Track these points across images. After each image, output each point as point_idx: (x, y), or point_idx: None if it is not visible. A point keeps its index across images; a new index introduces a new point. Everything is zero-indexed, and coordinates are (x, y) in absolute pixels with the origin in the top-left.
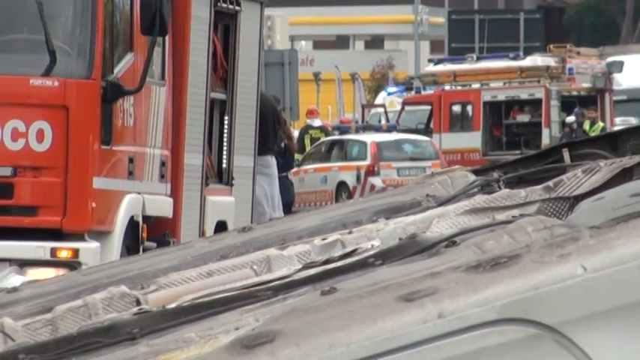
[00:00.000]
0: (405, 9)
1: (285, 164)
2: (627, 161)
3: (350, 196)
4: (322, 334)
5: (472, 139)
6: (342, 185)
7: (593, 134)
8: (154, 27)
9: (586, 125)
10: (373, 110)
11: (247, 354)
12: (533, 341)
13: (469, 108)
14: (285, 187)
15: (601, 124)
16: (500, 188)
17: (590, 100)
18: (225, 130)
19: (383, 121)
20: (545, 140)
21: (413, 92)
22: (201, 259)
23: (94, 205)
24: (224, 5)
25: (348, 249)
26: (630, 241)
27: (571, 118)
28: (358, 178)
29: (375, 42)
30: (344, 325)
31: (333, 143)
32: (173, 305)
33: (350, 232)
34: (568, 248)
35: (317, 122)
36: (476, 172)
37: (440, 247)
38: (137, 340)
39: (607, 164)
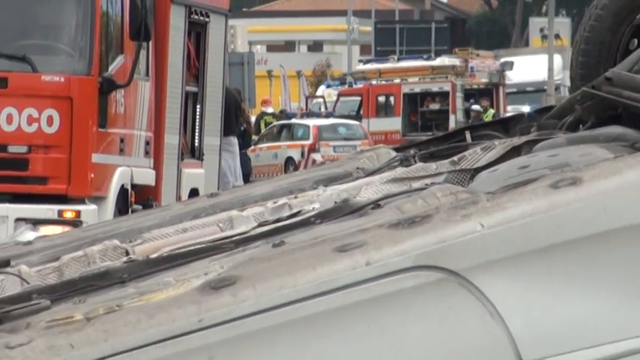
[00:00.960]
0: (340, 20)
1: (244, 143)
2: (516, 141)
3: (296, 168)
4: (273, 278)
5: (394, 123)
6: (289, 160)
7: (486, 119)
8: (140, 34)
9: (484, 113)
10: (315, 100)
11: (214, 294)
12: (441, 283)
13: (391, 98)
14: (244, 162)
15: (492, 111)
16: (415, 162)
17: (487, 92)
18: (197, 116)
19: (322, 109)
20: (452, 124)
21: (346, 86)
22: (178, 218)
23: (92, 175)
24: (196, 17)
25: (294, 210)
26: (518, 204)
27: (477, 107)
28: (302, 154)
29: (315, 46)
30: (290, 271)
31: (283, 126)
32: (155, 255)
33: (295, 197)
34: (469, 210)
35: (270, 109)
36: (396, 150)
37: (367, 209)
38: (126, 283)
39: (500, 143)
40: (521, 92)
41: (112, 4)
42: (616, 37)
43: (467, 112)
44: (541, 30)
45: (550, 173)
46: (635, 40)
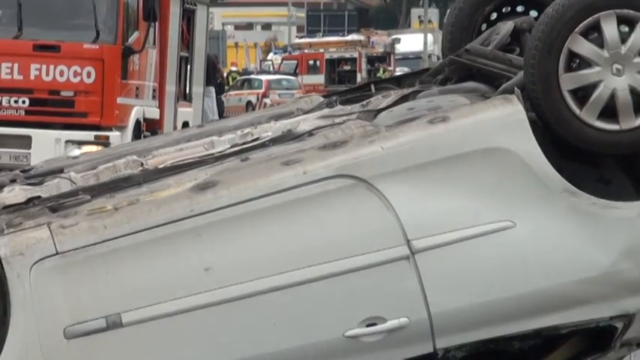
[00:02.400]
0: (283, 8)
1: (219, 91)
2: (405, 91)
3: (253, 109)
4: (241, 182)
5: (319, 79)
6: (249, 103)
7: (383, 77)
8: (150, 16)
9: (380, 72)
10: (266, 63)
11: (201, 192)
12: (353, 187)
13: (317, 62)
14: (220, 104)
15: (390, 69)
16: (336, 105)
17: (383, 59)
18: (187, 72)
19: (271, 69)
20: (358, 80)
21: (287, 53)
22: (176, 141)
23: (117, 112)
24: (188, 6)
25: (255, 137)
26: (406, 134)
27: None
28: (257, 99)
29: (266, 26)
30: (253, 178)
31: (244, 80)
32: (161, 166)
33: (255, 128)
34: (373, 137)
35: (235, 69)
36: (324, 97)
37: (304, 136)
38: (141, 185)
39: (394, 92)
40: (406, 59)
41: None
42: (472, 23)
43: (369, 71)
44: (419, 17)
45: (428, 113)
46: (485, 25)
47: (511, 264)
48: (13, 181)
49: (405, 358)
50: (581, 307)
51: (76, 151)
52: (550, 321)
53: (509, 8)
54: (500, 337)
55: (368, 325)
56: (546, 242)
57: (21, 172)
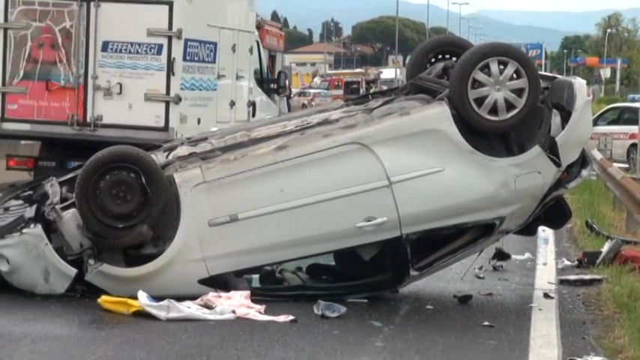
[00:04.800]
0: (321, 55)
1: (288, 98)
2: (386, 98)
3: (306, 107)
4: (301, 145)
5: (340, 92)
6: (304, 104)
7: (374, 91)
8: (272, 64)
9: (372, 89)
10: (312, 83)
11: (279, 150)
12: (360, 149)
13: (339, 83)
14: (288, 105)
15: (377, 88)
16: (350, 105)
17: (374, 82)
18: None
19: (315, 87)
20: (361, 92)
21: (324, 78)
22: (266, 123)
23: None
24: (272, 54)
25: (308, 122)
26: (388, 121)
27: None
28: (308, 102)
29: (312, 64)
30: (306, 143)
31: (301, 92)
32: (258, 137)
33: (308, 117)
34: (367, 123)
35: (295, 89)
36: (345, 100)
37: (333, 122)
38: (248, 146)
39: (381, 99)
40: (385, 82)
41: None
42: (422, 63)
43: (366, 88)
44: (392, 60)
45: (398, 110)
46: (428, 65)
47: (441, 189)
48: (182, 144)
49: (385, 238)
50: (477, 213)
51: (214, 128)
52: (461, 220)
53: (440, 56)
54: (435, 228)
55: (367, 221)
56: (460, 178)
57: (187, 139)
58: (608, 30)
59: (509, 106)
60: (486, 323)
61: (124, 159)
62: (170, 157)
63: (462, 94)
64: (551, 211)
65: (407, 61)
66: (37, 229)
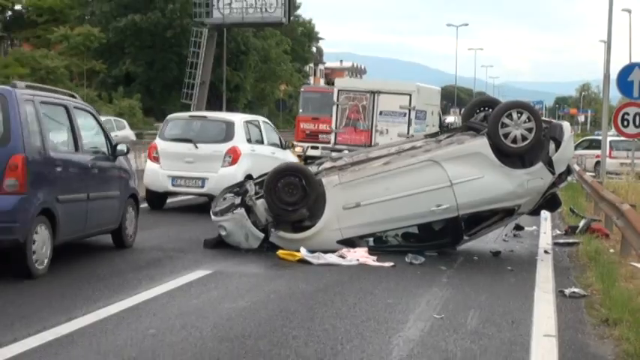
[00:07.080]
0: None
1: None
2: (450, 134)
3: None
4: (398, 161)
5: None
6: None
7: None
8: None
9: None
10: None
11: (385, 165)
12: (434, 164)
13: None
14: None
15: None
16: (427, 138)
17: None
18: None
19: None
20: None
21: None
22: (377, 148)
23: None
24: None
25: (402, 148)
26: (451, 147)
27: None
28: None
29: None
30: (402, 160)
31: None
32: (371, 156)
33: (403, 145)
34: (437, 148)
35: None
36: (425, 135)
37: (418, 148)
38: (365, 162)
39: (447, 135)
40: (449, 124)
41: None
42: (471, 113)
43: (440, 127)
44: (453, 111)
45: (457, 140)
46: (475, 114)
47: (482, 188)
48: (327, 160)
49: (448, 217)
50: (504, 202)
51: (346, 152)
52: (494, 206)
53: (482, 108)
54: (479, 211)
55: (437, 206)
56: (493, 182)
57: (330, 158)
58: (583, 93)
59: (524, 138)
60: (509, 268)
61: (293, 169)
62: (320, 168)
63: (495, 131)
64: (549, 201)
65: (462, 112)
66: (241, 211)
